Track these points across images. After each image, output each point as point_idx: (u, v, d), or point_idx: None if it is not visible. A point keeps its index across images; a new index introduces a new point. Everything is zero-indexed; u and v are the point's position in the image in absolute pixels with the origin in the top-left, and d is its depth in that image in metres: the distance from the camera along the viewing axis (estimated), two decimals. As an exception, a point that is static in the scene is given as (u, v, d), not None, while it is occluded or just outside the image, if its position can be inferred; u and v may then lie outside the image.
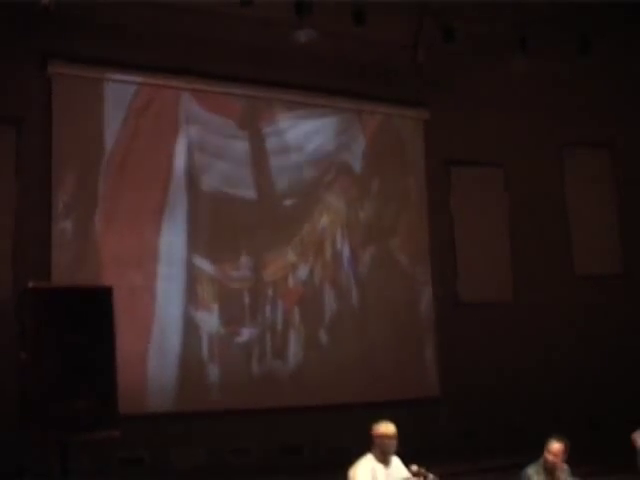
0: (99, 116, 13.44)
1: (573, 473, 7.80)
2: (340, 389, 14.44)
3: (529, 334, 16.09)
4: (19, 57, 12.80)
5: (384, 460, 7.28)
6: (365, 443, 7.36)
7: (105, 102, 13.49)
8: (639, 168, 17.38)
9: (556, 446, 7.63)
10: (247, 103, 14.70)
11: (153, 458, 13.18)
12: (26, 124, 12.94)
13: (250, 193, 14.55)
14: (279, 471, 13.38)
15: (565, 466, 7.83)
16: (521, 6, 13.37)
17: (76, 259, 13.02)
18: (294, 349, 14.55)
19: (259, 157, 14.70)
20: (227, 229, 14.25)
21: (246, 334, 14.18)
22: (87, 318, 9.99)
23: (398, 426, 7.41)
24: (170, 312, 13.64)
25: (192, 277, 13.86)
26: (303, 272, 14.81)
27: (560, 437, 7.70)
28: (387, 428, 7.32)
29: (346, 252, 15.27)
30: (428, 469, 7.18)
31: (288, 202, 14.83)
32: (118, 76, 13.63)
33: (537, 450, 7.76)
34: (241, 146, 14.59)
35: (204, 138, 14.21)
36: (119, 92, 13.59)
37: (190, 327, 13.75)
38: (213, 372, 13.84)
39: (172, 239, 13.77)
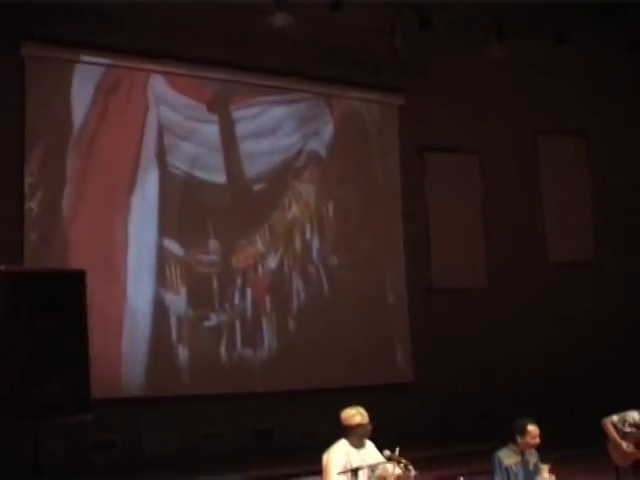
0: (69, 96, 13.33)
1: (542, 458, 7.86)
2: (312, 375, 14.48)
3: (502, 320, 16.17)
4: (-8, 39, 12.70)
5: (358, 445, 7.29)
6: (337, 428, 7.36)
7: (75, 83, 13.38)
8: (613, 156, 17.49)
9: (533, 428, 7.69)
10: (218, 87, 14.64)
11: (125, 442, 13.15)
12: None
13: (220, 177, 14.51)
14: (251, 455, 13.39)
15: (534, 450, 7.88)
16: (498, -7, 13.40)
17: (45, 240, 12.95)
18: (264, 337, 14.55)
19: (229, 141, 14.64)
20: (196, 212, 14.18)
21: (215, 319, 14.16)
22: (59, 302, 9.95)
23: (371, 411, 7.41)
24: (140, 294, 13.60)
25: (162, 259, 13.82)
26: (272, 261, 14.78)
27: (532, 420, 7.75)
28: (362, 417, 7.31)
29: (316, 241, 15.23)
30: (401, 454, 7.20)
31: (257, 187, 14.78)
32: (90, 58, 13.51)
33: (509, 435, 7.80)
34: (211, 130, 14.54)
35: (174, 120, 14.14)
36: (89, 73, 13.50)
37: (160, 310, 13.72)
38: (183, 355, 13.81)
39: (142, 220, 13.72)
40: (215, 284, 14.22)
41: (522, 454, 7.77)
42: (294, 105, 15.30)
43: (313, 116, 15.45)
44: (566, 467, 8.01)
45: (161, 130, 14.01)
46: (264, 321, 14.58)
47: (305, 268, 15.07)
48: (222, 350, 14.16)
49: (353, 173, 15.67)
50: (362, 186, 15.72)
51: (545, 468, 7.68)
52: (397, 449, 7.20)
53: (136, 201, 13.70)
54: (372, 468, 7.22)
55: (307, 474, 9.77)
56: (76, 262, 12.52)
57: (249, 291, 14.51)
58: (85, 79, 13.44)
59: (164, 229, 13.88)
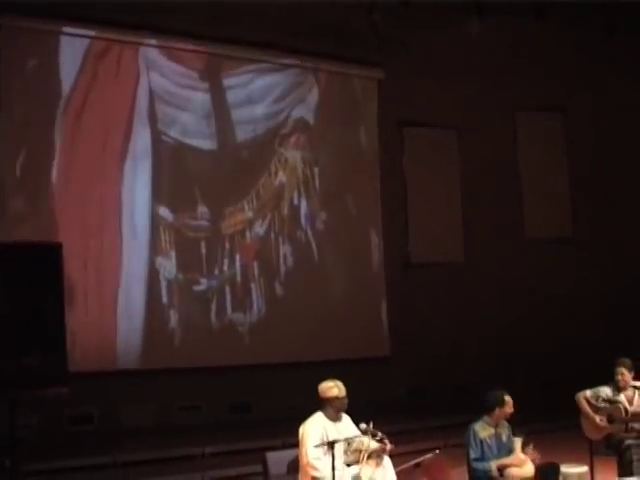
0: (55, 64, 13.18)
1: (514, 432, 7.93)
2: (291, 347, 14.50)
3: (479, 295, 16.25)
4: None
5: (335, 418, 7.32)
6: (314, 401, 7.39)
7: (61, 51, 13.25)
8: (591, 132, 17.55)
9: (510, 398, 7.78)
10: (208, 56, 14.60)
11: (102, 415, 13.16)
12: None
13: (209, 144, 14.49)
14: (228, 428, 13.43)
15: (506, 423, 7.96)
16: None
17: (35, 210, 12.86)
18: (253, 302, 14.60)
19: (220, 109, 14.62)
20: (186, 179, 14.17)
21: (204, 284, 14.19)
22: (36, 275, 9.89)
23: (348, 384, 7.44)
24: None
25: (155, 225, 13.83)
26: (260, 227, 14.78)
27: (505, 391, 7.83)
28: (339, 390, 7.34)
29: (303, 207, 15.26)
30: (376, 427, 7.24)
31: (245, 154, 14.76)
32: (74, 30, 13.36)
33: (484, 408, 7.85)
34: (202, 97, 14.51)
35: (165, 87, 14.09)
36: (75, 42, 13.36)
37: (153, 275, 13.76)
38: (172, 322, 13.86)
39: (134, 187, 13.70)
40: (203, 250, 14.23)
41: (496, 427, 7.85)
42: (282, 73, 15.29)
43: (300, 83, 15.47)
44: (539, 440, 8.08)
45: (152, 97, 13.96)
46: (252, 286, 14.62)
47: (292, 234, 15.11)
48: (212, 315, 14.22)
49: (336, 145, 15.66)
50: (341, 160, 15.69)
51: (518, 441, 7.76)
52: (371, 423, 7.24)
53: (128, 168, 13.67)
54: (348, 441, 7.26)
55: (284, 447, 9.84)
56: (67, 230, 12.60)
57: (237, 257, 14.53)
58: (73, 47, 13.30)
59: (156, 195, 13.87)
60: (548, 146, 17.61)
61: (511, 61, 16.49)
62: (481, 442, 7.72)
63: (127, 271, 13.56)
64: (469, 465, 7.72)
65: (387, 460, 7.29)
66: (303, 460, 7.14)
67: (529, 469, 7.59)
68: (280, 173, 15.09)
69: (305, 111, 15.47)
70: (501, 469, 7.61)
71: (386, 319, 15.81)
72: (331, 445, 6.64)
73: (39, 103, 13.04)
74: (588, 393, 8.96)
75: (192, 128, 14.31)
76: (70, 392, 11.47)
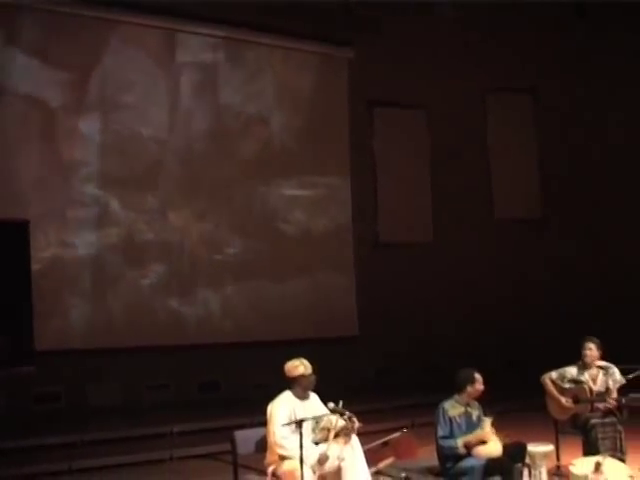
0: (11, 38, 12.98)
1: (484, 411, 7.98)
2: (260, 326, 14.52)
3: (448, 275, 16.33)
4: None
5: (303, 397, 7.33)
6: (283, 379, 7.39)
7: (18, 24, 13.02)
8: (560, 115, 17.62)
9: (480, 376, 7.82)
10: (164, 39, 14.36)
11: (69, 394, 13.11)
12: None
13: (161, 132, 14.29)
14: (196, 407, 13.43)
15: (476, 403, 8.01)
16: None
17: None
18: (215, 292, 14.53)
19: (173, 96, 14.45)
20: (137, 166, 13.97)
21: (154, 273, 14.09)
22: (1, 253, 9.83)
23: (316, 364, 7.45)
24: (83, 249, 13.49)
25: (102, 212, 13.68)
26: (213, 216, 14.69)
27: (476, 369, 7.88)
28: (305, 368, 7.35)
29: (258, 196, 15.17)
30: (345, 406, 7.26)
31: (199, 144, 14.59)
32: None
33: (452, 387, 7.90)
34: (156, 83, 14.30)
35: (119, 72, 13.86)
36: (35, 15, 13.12)
37: (101, 263, 13.65)
38: (126, 307, 13.77)
39: (83, 172, 13.54)
40: (153, 239, 14.12)
41: (466, 406, 7.89)
42: (241, 60, 15.07)
43: (260, 70, 15.26)
44: (507, 420, 8.15)
45: (104, 81, 13.76)
46: (215, 274, 14.54)
47: (247, 223, 14.99)
48: (163, 302, 14.13)
49: (301, 127, 15.57)
50: (310, 140, 15.64)
51: (487, 421, 7.80)
52: (340, 402, 7.26)
53: (77, 152, 13.50)
54: (316, 420, 7.28)
55: (252, 425, 9.85)
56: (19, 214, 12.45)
57: (187, 246, 14.41)
58: (28, 20, 13.07)
59: (104, 182, 13.69)
60: (517, 128, 17.68)
61: (481, 43, 16.51)
62: (450, 420, 7.76)
63: (90, 252, 13.49)
64: (437, 442, 7.76)
65: (355, 439, 7.31)
66: (271, 439, 7.15)
67: (496, 447, 7.64)
68: (236, 163, 14.94)
69: (265, 98, 15.28)
70: (468, 447, 7.66)
71: (355, 298, 15.83)
72: (299, 424, 6.65)
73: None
74: (554, 374, 9.04)
75: (144, 115, 14.11)
76: (37, 371, 11.48)
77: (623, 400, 8.62)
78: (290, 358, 7.46)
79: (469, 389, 7.85)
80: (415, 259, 16.27)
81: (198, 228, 14.52)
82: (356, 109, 16.15)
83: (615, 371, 8.96)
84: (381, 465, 8.24)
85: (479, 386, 7.87)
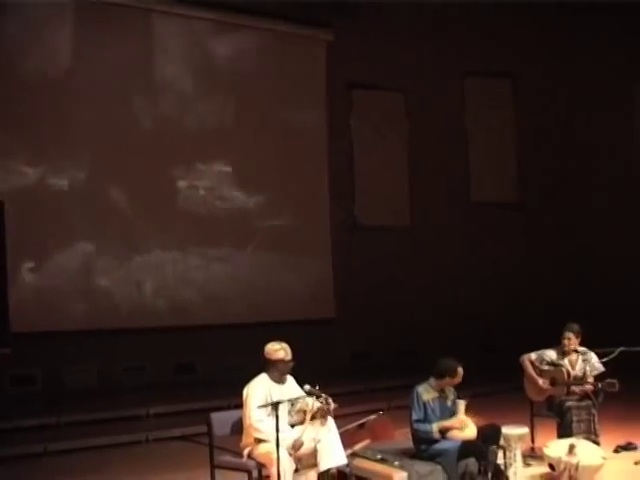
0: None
1: (459, 395, 8.01)
2: (236, 308, 14.53)
3: (425, 258, 16.36)
4: None
5: (279, 380, 7.33)
6: (259, 362, 7.38)
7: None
8: (538, 99, 17.66)
9: (462, 370, 7.83)
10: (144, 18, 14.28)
11: (45, 376, 13.06)
12: None
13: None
14: (172, 389, 13.42)
15: (452, 387, 8.03)
16: None
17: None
18: (193, 277, 14.52)
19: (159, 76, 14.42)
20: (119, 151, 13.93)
21: (141, 257, 14.06)
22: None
23: (293, 346, 7.44)
24: (66, 234, 13.45)
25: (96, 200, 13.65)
26: (200, 201, 14.65)
27: (459, 363, 7.90)
28: (285, 353, 7.33)
29: (245, 181, 15.14)
30: (321, 388, 7.27)
31: (189, 123, 14.57)
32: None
33: (428, 371, 7.92)
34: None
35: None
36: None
37: (85, 248, 13.59)
38: (106, 291, 13.73)
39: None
40: (142, 222, 14.08)
41: (440, 391, 7.91)
42: (222, 45, 15.01)
43: (241, 51, 15.19)
44: (482, 402, 8.19)
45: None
46: (193, 263, 14.52)
47: (235, 208, 14.99)
48: (150, 288, 14.12)
49: (281, 109, 15.53)
50: (288, 123, 15.59)
51: (462, 404, 7.83)
52: (317, 386, 7.27)
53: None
54: (292, 402, 7.28)
55: (229, 408, 9.86)
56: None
57: (176, 229, 14.39)
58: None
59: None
60: (496, 112, 17.71)
61: (461, 27, 16.50)
62: (424, 404, 7.77)
63: (69, 235, 13.44)
64: (412, 426, 7.79)
65: (331, 421, 7.32)
66: (246, 421, 7.15)
67: (471, 430, 7.68)
68: (221, 141, 14.93)
69: (248, 77, 15.20)
70: (443, 431, 7.69)
71: (332, 281, 15.84)
72: (275, 406, 6.65)
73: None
74: (533, 356, 9.09)
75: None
76: (13, 353, 11.40)
77: (599, 385, 8.68)
78: (267, 340, 7.44)
79: (447, 380, 7.86)
80: (392, 242, 16.29)
81: (177, 209, 14.51)
82: (334, 91, 16.11)
83: (593, 356, 9.02)
84: (357, 447, 8.25)
85: (457, 380, 7.87)
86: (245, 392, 7.26)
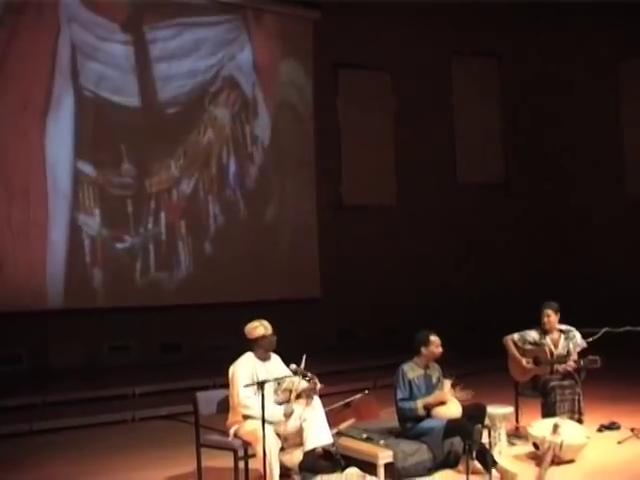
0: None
1: (444, 373, 8.04)
2: (222, 287, 14.55)
3: (411, 238, 16.38)
4: None
5: (264, 358, 7.34)
6: (244, 341, 7.39)
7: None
8: (524, 79, 17.66)
9: (437, 338, 7.86)
10: (132, 6, 14.13)
11: (31, 355, 13.05)
12: None
13: (133, 100, 14.17)
14: (158, 368, 13.44)
15: (436, 365, 8.07)
16: None
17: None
18: (180, 260, 14.50)
19: (143, 63, 14.28)
20: (110, 135, 13.86)
21: (129, 242, 14.04)
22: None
23: (279, 325, 7.46)
24: (57, 215, 13.39)
25: (77, 181, 13.57)
26: (187, 185, 14.62)
27: (433, 332, 7.92)
28: (265, 328, 7.35)
29: (232, 165, 15.09)
30: (307, 368, 7.29)
31: (172, 111, 14.49)
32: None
33: (413, 349, 7.95)
34: (125, 51, 14.14)
35: (87, 40, 13.68)
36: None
37: (75, 231, 13.56)
38: (96, 274, 13.73)
39: (57, 142, 13.42)
40: (129, 207, 14.05)
41: (425, 368, 7.94)
42: (211, 28, 14.92)
43: (230, 39, 15.13)
44: (467, 382, 8.21)
45: (74, 51, 13.57)
46: (179, 244, 14.49)
47: (222, 191, 14.96)
48: (136, 272, 14.11)
49: (268, 92, 15.49)
50: (277, 104, 15.56)
51: (447, 382, 7.87)
52: (303, 361, 7.29)
53: (51, 123, 13.36)
54: (278, 381, 7.30)
55: (214, 387, 9.88)
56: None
57: (163, 215, 14.38)
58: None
59: (79, 151, 13.60)
60: (482, 92, 17.70)
61: (448, 6, 16.44)
62: (409, 383, 7.80)
63: (53, 226, 13.39)
64: (397, 404, 7.82)
65: (317, 400, 7.34)
66: (234, 400, 7.17)
67: (456, 409, 7.71)
68: (209, 131, 14.86)
69: (235, 67, 15.16)
70: (428, 408, 7.72)
71: (317, 261, 15.85)
72: (261, 385, 6.66)
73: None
74: (515, 336, 9.13)
75: (115, 83, 13.97)
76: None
77: (582, 362, 8.73)
78: (252, 320, 7.46)
79: (424, 351, 7.89)
80: (378, 222, 16.30)
81: (168, 191, 14.48)
82: (321, 71, 16.07)
83: (576, 334, 9.07)
84: (342, 426, 8.29)
85: (434, 348, 7.89)
86: (231, 371, 7.27)
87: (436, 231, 16.72)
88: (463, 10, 16.53)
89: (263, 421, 6.53)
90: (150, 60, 14.36)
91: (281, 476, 7.06)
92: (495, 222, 17.28)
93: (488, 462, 7.33)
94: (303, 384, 7.33)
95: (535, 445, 8.03)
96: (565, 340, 9.03)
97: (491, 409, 8.23)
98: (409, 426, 7.76)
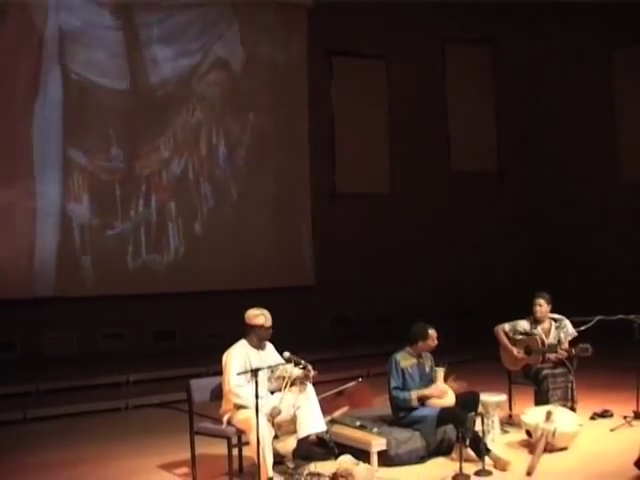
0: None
1: (437, 362, 8.06)
2: (215, 277, 14.51)
3: (405, 226, 16.38)
4: None
5: (258, 346, 7.35)
6: (238, 329, 7.40)
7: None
8: (518, 67, 17.63)
9: (434, 332, 7.87)
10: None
11: (24, 343, 13.05)
12: None
13: (122, 83, 14.09)
14: (152, 356, 13.44)
15: (429, 354, 8.08)
16: None
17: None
18: (170, 242, 14.46)
19: (132, 47, 14.21)
20: (98, 119, 13.81)
21: (119, 227, 14.01)
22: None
23: (273, 313, 7.46)
24: (47, 203, 13.36)
25: (66, 168, 13.52)
26: (177, 167, 14.58)
27: (430, 325, 7.92)
28: (265, 319, 7.35)
29: (222, 146, 15.06)
30: (301, 355, 7.29)
31: (161, 93, 14.42)
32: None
33: (407, 339, 7.96)
34: (114, 35, 14.07)
35: (75, 25, 13.61)
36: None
37: (65, 219, 13.53)
38: (87, 261, 13.67)
39: (45, 129, 13.34)
40: (118, 191, 14.00)
41: (418, 357, 7.96)
42: (199, 9, 14.82)
43: (218, 20, 15.04)
44: (461, 370, 8.24)
45: (62, 36, 13.49)
46: (170, 227, 14.46)
47: (212, 173, 14.93)
48: (128, 257, 14.06)
49: (259, 78, 15.43)
50: (268, 90, 15.52)
51: (440, 371, 7.89)
52: (287, 354, 7.30)
53: (39, 109, 13.30)
54: (272, 369, 7.31)
55: (208, 374, 9.89)
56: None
57: (154, 197, 14.34)
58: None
59: (67, 137, 13.53)
60: (476, 80, 17.66)
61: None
62: (402, 371, 7.82)
63: (42, 213, 13.34)
64: (390, 394, 7.84)
65: (310, 388, 7.36)
66: (226, 387, 7.18)
67: (450, 399, 7.74)
68: (198, 112, 14.81)
69: (224, 49, 15.09)
70: (422, 399, 7.75)
71: (311, 248, 15.84)
72: (254, 373, 6.67)
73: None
74: (506, 326, 9.15)
75: (103, 67, 13.90)
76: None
77: (574, 351, 8.75)
78: (247, 307, 7.46)
79: (421, 344, 7.91)
80: (372, 210, 16.30)
81: (160, 175, 14.46)
82: (315, 58, 16.01)
83: (567, 323, 9.09)
84: (336, 414, 8.32)
85: (432, 342, 7.92)
86: (224, 358, 7.28)
87: (430, 219, 16.71)
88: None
89: (257, 409, 6.54)
90: (139, 43, 14.28)
91: (275, 463, 7.07)
92: (489, 210, 17.29)
93: (481, 450, 7.36)
94: (297, 372, 7.35)
95: (528, 433, 8.06)
96: (556, 329, 9.05)
97: (484, 397, 8.26)
98: (402, 414, 7.79)
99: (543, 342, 8.96)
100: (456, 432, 7.46)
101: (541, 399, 8.63)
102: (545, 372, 8.71)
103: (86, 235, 13.69)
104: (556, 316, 9.13)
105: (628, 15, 15.28)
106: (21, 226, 13.14)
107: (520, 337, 9.07)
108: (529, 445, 7.98)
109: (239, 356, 7.22)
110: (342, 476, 7.10)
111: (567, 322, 9.10)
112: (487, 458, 7.36)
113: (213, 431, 7.31)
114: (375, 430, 7.72)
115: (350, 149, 16.28)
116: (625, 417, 8.89)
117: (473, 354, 13.00)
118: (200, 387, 7.50)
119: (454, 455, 7.53)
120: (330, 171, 16.23)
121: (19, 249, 13.13)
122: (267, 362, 7.21)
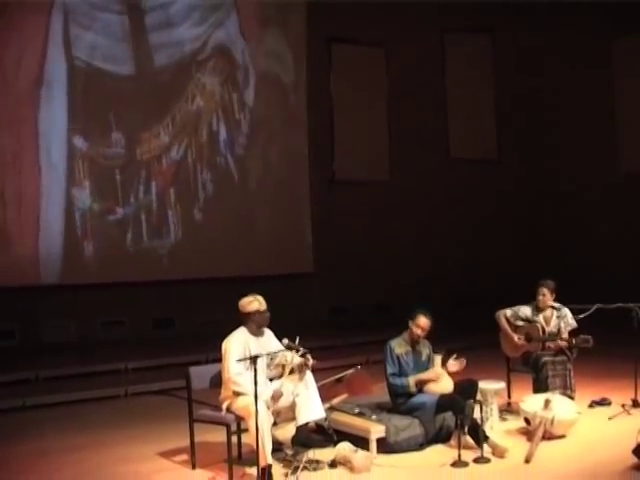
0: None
1: (434, 349, 8.06)
2: (214, 264, 14.51)
3: (404, 213, 16.39)
4: None
5: (257, 333, 7.35)
6: (237, 316, 7.40)
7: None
8: (517, 56, 17.61)
9: (424, 320, 7.86)
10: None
11: (23, 331, 13.06)
12: None
13: (125, 68, 14.09)
14: (151, 343, 13.46)
15: (427, 342, 8.08)
16: None
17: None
18: (170, 228, 14.46)
19: (137, 32, 14.19)
20: (102, 105, 13.81)
21: (120, 213, 14.00)
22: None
23: (272, 300, 7.46)
24: (50, 188, 13.37)
25: (70, 152, 13.52)
26: (177, 153, 14.58)
27: (427, 313, 7.91)
28: (260, 303, 7.35)
29: (222, 132, 15.06)
30: (300, 343, 7.30)
31: (162, 79, 14.43)
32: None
33: (405, 325, 7.97)
34: (119, 20, 14.04)
35: (80, 10, 13.58)
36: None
37: (68, 204, 13.52)
38: (88, 247, 13.69)
39: (51, 114, 13.35)
40: (118, 177, 13.99)
41: (413, 345, 7.96)
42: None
43: (219, 6, 15.03)
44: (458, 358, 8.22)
45: (67, 20, 13.47)
46: (169, 213, 14.47)
47: (211, 159, 14.92)
48: (128, 242, 14.07)
49: (258, 64, 15.41)
50: (268, 78, 15.49)
51: (437, 358, 7.89)
52: (297, 338, 7.30)
53: (44, 95, 13.30)
54: (271, 356, 7.32)
55: (207, 362, 9.90)
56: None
57: (154, 183, 14.34)
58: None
59: (71, 123, 13.54)
60: (475, 68, 17.64)
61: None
62: (397, 358, 7.83)
63: (46, 199, 13.36)
64: (387, 380, 7.85)
65: (309, 375, 7.36)
66: (225, 375, 7.18)
67: (448, 385, 7.74)
68: (198, 98, 14.81)
69: (225, 35, 15.09)
70: (419, 384, 7.75)
71: (310, 236, 15.84)
72: (253, 360, 6.67)
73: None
74: (508, 312, 9.14)
75: (108, 52, 13.90)
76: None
77: (574, 340, 8.76)
78: (245, 295, 7.46)
79: (412, 327, 7.90)
80: (371, 197, 16.29)
81: (158, 159, 14.44)
82: (314, 45, 15.98)
83: (567, 313, 9.08)
84: (335, 401, 8.33)
85: (422, 325, 7.87)
86: (224, 346, 7.28)
87: (429, 207, 16.72)
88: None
89: (256, 396, 6.54)
90: (144, 28, 14.27)
91: (274, 450, 7.08)
92: (488, 197, 17.29)
93: (480, 437, 7.38)
94: (296, 359, 7.35)
95: (526, 420, 8.07)
96: (557, 318, 9.05)
97: (483, 384, 8.27)
98: (401, 401, 7.80)
99: (544, 330, 8.97)
100: (455, 419, 7.48)
101: (540, 387, 8.63)
102: (545, 359, 8.71)
103: (87, 221, 13.70)
104: (557, 305, 9.13)
105: (629, 5, 15.24)
106: (25, 213, 13.14)
107: (521, 323, 9.07)
108: (527, 433, 7.99)
109: (238, 343, 7.22)
110: (341, 463, 7.14)
111: (567, 312, 9.09)
112: (485, 445, 7.37)
113: (212, 418, 7.31)
114: (374, 417, 7.74)
115: (349, 136, 16.26)
116: (623, 405, 8.91)
117: (472, 341, 12.99)
118: (199, 374, 7.51)
119: (453, 442, 7.56)
120: (329, 158, 16.22)
121: (25, 236, 13.14)
122: (267, 349, 7.21)
